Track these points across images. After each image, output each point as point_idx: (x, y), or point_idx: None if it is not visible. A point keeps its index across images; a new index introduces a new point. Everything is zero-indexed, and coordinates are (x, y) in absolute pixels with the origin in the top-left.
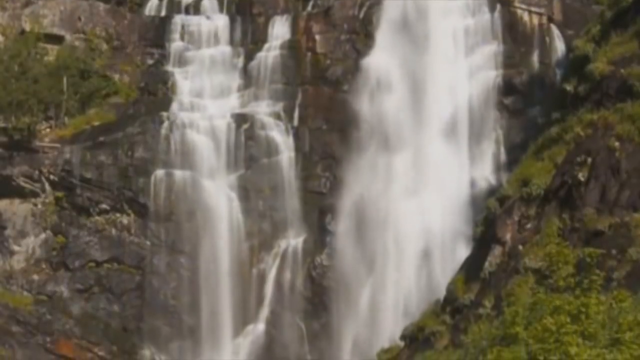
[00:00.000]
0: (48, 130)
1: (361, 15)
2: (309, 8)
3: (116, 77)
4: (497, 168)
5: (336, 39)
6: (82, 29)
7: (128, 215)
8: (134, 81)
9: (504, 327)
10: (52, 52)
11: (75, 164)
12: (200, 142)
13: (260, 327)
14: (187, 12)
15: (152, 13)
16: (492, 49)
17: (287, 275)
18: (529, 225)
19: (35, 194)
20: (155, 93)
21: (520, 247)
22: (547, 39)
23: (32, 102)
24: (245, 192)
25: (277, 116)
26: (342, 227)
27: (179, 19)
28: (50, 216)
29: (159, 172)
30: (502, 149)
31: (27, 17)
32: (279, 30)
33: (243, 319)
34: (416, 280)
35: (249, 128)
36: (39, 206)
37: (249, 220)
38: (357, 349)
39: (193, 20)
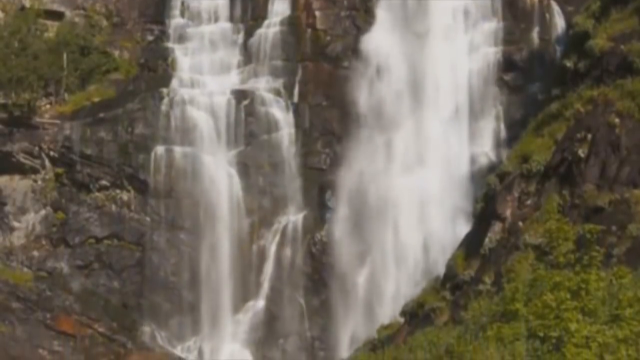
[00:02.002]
0: (48, 106)
1: None
2: None
3: (116, 53)
4: (497, 144)
5: (336, 16)
6: (82, 5)
7: (128, 191)
8: (134, 57)
9: (503, 303)
10: (52, 28)
11: (75, 140)
12: (200, 119)
13: (260, 303)
14: None
15: None
16: (492, 25)
17: (287, 251)
18: (529, 202)
19: (35, 170)
20: (155, 69)
21: (520, 223)
22: (547, 15)
23: (32, 78)
24: (245, 168)
25: (277, 92)
26: (342, 203)
27: None
28: (50, 192)
29: (159, 149)
30: (502, 126)
31: None
32: (279, 6)
33: (243, 295)
34: (415, 257)
35: (249, 104)
36: (39, 182)
37: (249, 196)
38: (357, 325)
39: None
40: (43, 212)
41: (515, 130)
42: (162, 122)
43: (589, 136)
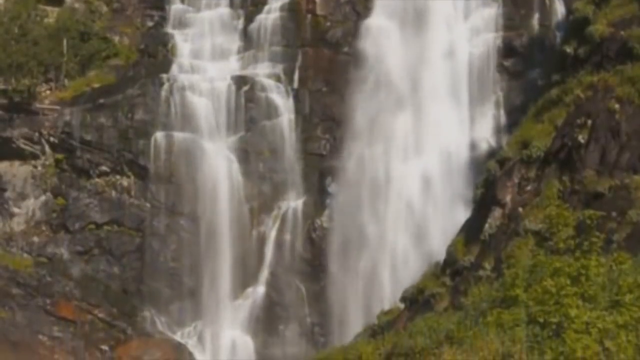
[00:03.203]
0: (48, 92)
1: None
2: None
3: (116, 39)
4: (497, 130)
5: (336, 1)
6: None
7: (128, 177)
8: (133, 43)
9: (503, 289)
10: (52, 14)
11: (75, 126)
12: (200, 104)
13: (260, 289)
14: None
15: None
16: (492, 11)
17: (287, 237)
18: (529, 187)
19: (35, 156)
20: (155, 55)
21: (520, 209)
22: (547, 1)
23: (32, 64)
24: (245, 154)
25: (277, 78)
26: (342, 189)
27: None
28: (50, 178)
29: (159, 134)
30: (502, 111)
31: None
32: None
33: (243, 280)
34: (415, 242)
35: (249, 90)
36: (39, 168)
37: (249, 182)
38: (357, 311)
39: None
40: (43, 197)
41: (515, 116)
42: (162, 108)
43: (589, 122)
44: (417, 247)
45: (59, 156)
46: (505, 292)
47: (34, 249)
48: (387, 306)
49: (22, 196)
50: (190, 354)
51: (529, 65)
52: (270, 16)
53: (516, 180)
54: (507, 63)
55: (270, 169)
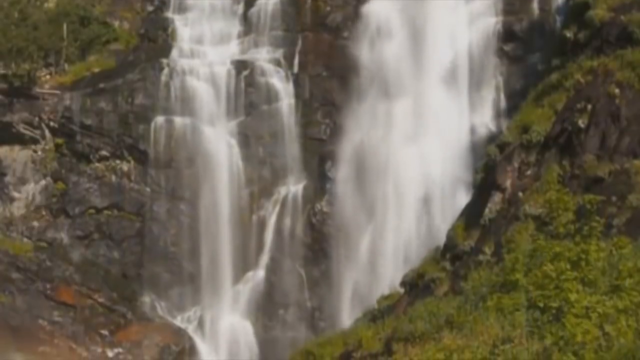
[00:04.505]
0: (48, 77)
1: None
2: None
3: (116, 23)
4: (497, 115)
5: None
6: None
7: (128, 162)
8: (134, 28)
9: (503, 273)
10: None
11: (75, 111)
12: (200, 89)
13: (260, 273)
14: None
15: None
16: None
17: (287, 222)
18: (529, 172)
19: (35, 141)
20: (155, 40)
21: (520, 193)
22: None
23: (32, 48)
24: (245, 138)
25: (277, 63)
26: (342, 173)
27: None
28: (50, 163)
29: (159, 119)
30: (502, 96)
31: None
32: None
33: (243, 265)
34: (416, 227)
35: (249, 75)
36: (39, 153)
37: (248, 166)
38: (357, 295)
39: None
40: (43, 182)
41: (515, 100)
42: (162, 93)
43: (589, 106)
44: (418, 231)
45: (59, 141)
46: (505, 276)
47: (34, 233)
48: (387, 291)
49: (22, 181)
50: (190, 339)
51: (529, 50)
52: (270, 1)
53: (516, 165)
54: (507, 48)
55: (270, 154)
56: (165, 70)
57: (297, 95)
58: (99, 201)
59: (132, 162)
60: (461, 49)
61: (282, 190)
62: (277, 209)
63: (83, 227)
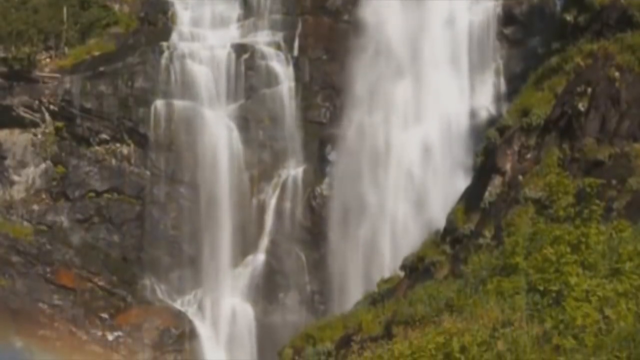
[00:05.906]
0: (48, 60)
1: None
2: None
3: (116, 7)
4: (497, 98)
5: None
6: None
7: (128, 145)
8: (134, 11)
9: (503, 257)
10: None
11: (75, 94)
12: (200, 72)
13: (260, 257)
14: None
15: None
16: None
17: (287, 205)
18: (529, 155)
19: (35, 124)
20: (155, 23)
21: (520, 177)
22: None
23: (32, 32)
24: (245, 122)
25: (277, 46)
26: (342, 157)
27: None
28: (50, 146)
29: (159, 102)
30: (502, 79)
31: None
32: None
33: (243, 248)
34: (416, 210)
35: (249, 58)
36: (39, 136)
37: (248, 150)
38: (357, 279)
39: None
40: (43, 165)
41: (515, 84)
42: (162, 76)
43: (589, 90)
44: (417, 214)
45: (59, 124)
46: (505, 260)
47: (34, 217)
48: (387, 274)
49: (22, 164)
50: (190, 322)
51: (529, 33)
52: None
53: (516, 148)
54: (507, 31)
55: (270, 137)
56: (165, 54)
57: (297, 78)
58: (99, 184)
59: (132, 145)
60: (461, 32)
61: (282, 174)
62: (277, 192)
63: (83, 211)
